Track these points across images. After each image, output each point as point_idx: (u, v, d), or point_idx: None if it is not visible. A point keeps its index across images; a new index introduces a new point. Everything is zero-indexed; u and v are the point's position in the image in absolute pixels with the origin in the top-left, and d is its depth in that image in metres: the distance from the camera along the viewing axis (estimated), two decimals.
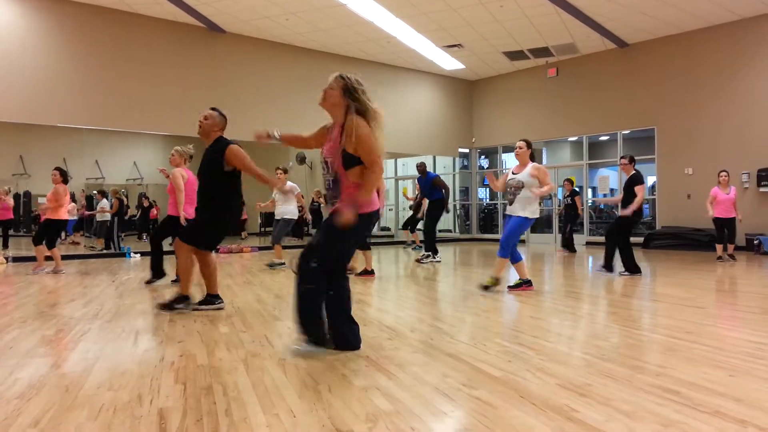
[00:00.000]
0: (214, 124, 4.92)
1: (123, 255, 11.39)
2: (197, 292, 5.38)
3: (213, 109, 5.02)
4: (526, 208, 5.88)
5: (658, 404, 2.49)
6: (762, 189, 11.73)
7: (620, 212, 7.62)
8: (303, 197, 9.37)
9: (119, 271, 8.68)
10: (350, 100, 3.31)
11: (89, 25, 11.38)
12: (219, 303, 5.11)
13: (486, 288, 6.02)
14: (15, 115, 10.78)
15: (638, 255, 7.88)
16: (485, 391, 2.69)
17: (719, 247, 9.91)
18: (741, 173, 11.91)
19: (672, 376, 2.91)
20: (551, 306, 5.19)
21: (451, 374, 2.98)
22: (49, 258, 8.42)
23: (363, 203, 3.30)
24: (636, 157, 7.94)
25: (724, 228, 9.82)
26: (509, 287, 6.07)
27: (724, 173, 9.80)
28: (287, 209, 8.88)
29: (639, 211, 7.58)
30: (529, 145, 6.07)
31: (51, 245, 8.35)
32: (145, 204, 16.23)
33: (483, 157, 18.93)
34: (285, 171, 8.98)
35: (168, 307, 4.95)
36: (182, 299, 5.00)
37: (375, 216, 3.46)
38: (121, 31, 11.70)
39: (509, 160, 18.02)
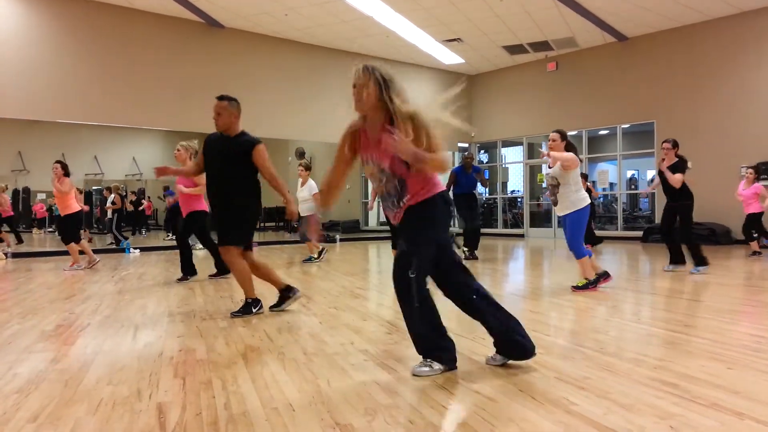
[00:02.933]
0: (231, 115, 4.50)
1: (122, 250, 11.39)
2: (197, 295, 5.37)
3: (221, 98, 4.53)
4: (575, 203, 5.43)
5: (656, 397, 2.49)
6: (762, 183, 11.71)
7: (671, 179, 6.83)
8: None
9: (119, 266, 8.68)
10: (387, 98, 2.81)
11: (88, 21, 11.35)
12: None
13: (577, 288, 5.49)
14: (13, 111, 10.75)
15: (637, 249, 7.83)
16: (484, 385, 2.69)
17: (753, 243, 9.62)
18: (740, 167, 11.90)
19: (670, 369, 2.92)
20: (550, 300, 5.19)
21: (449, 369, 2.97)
22: (80, 252, 8.34)
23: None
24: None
25: (752, 222, 9.54)
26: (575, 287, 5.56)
27: (749, 170, 9.62)
28: (312, 206, 8.93)
29: (689, 193, 6.93)
30: (563, 136, 5.51)
31: (74, 240, 8.30)
32: (133, 199, 16.37)
33: (482, 151, 18.90)
34: (307, 168, 9.09)
35: (242, 312, 4.52)
36: (255, 303, 4.59)
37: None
38: (121, 26, 11.66)
39: (509, 155, 17.99)
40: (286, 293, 4.74)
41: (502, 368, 2.96)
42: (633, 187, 19.09)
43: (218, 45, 12.86)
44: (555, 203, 5.61)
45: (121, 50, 11.66)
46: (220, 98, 4.54)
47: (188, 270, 6.80)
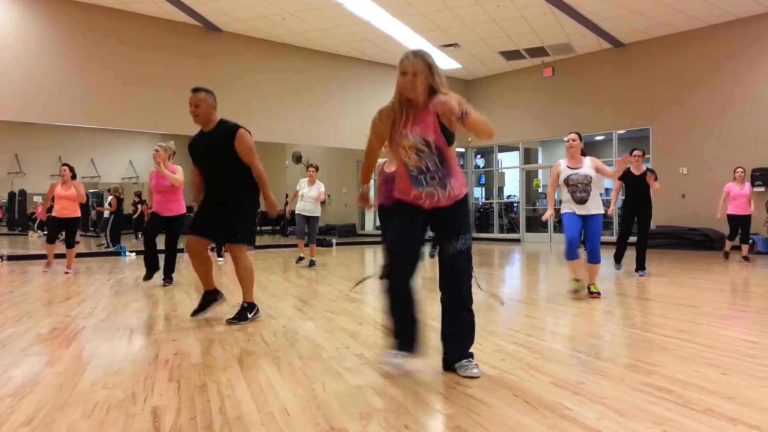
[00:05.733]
0: (209, 106, 4.32)
1: (118, 254, 11.36)
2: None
3: (196, 90, 4.33)
4: (599, 204, 5.60)
5: (650, 402, 2.50)
6: (756, 189, 11.77)
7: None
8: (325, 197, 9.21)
9: (114, 269, 8.66)
10: (432, 79, 3.04)
11: (86, 24, 11.35)
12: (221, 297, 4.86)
13: (592, 293, 5.55)
14: (10, 114, 10.74)
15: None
16: (479, 389, 2.70)
17: (728, 243, 9.81)
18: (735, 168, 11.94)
19: (664, 374, 2.93)
20: (546, 305, 5.20)
21: (445, 372, 2.98)
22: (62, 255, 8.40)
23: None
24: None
25: (738, 225, 9.61)
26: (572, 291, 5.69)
27: (740, 169, 9.68)
28: (318, 207, 8.87)
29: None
30: (580, 137, 5.61)
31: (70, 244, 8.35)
32: (137, 201, 16.26)
33: (479, 156, 18.95)
34: (317, 168, 9.02)
35: (238, 319, 4.41)
36: (251, 307, 4.51)
37: None
38: (118, 29, 11.67)
39: (505, 160, 18.02)
40: (213, 296, 4.72)
41: (496, 373, 2.97)
42: None
43: (216, 49, 12.87)
44: (584, 200, 5.54)
45: (118, 53, 11.66)
46: (196, 90, 4.32)
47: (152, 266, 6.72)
